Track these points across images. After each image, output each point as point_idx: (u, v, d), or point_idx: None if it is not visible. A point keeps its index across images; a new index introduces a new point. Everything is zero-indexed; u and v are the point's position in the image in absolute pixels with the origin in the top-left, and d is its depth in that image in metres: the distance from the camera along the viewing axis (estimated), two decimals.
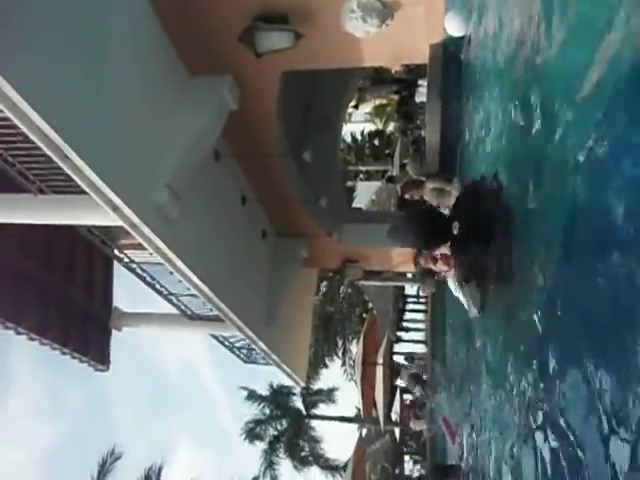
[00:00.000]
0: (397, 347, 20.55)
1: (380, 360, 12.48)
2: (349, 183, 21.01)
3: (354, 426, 20.91)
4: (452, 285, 3.43)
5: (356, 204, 19.93)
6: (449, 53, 5.35)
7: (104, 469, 11.67)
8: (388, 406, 12.52)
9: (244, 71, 6.05)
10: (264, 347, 9.06)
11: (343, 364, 21.47)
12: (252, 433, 19.79)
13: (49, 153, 4.17)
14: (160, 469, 12.81)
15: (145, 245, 5.53)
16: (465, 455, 4.58)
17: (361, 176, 24.21)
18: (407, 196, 6.38)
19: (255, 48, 5.35)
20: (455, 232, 3.04)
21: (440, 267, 3.28)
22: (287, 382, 14.21)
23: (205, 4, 5.48)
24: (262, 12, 5.42)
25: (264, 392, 20.10)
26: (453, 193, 5.73)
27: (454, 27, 4.75)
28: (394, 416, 15.85)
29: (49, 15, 3.99)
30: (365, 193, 22.59)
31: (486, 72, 3.78)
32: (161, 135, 5.40)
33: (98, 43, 4.57)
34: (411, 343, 21.72)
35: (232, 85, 6.09)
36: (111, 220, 5.06)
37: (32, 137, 4.04)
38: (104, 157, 4.43)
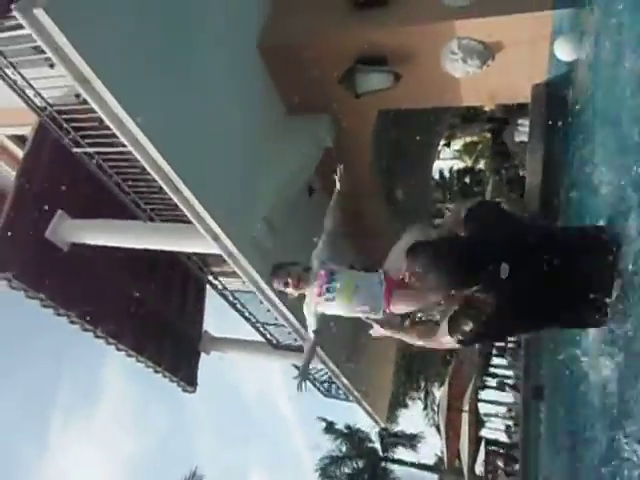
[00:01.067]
0: (483, 394, 19.50)
1: (466, 407, 11.90)
2: (438, 221, 20.66)
3: (434, 476, 19.93)
4: None
5: None
6: (552, 93, 5.19)
7: None
8: (473, 457, 11.83)
9: (342, 111, 6.24)
10: (346, 382, 8.99)
11: (425, 407, 20.70)
12: (327, 470, 19.46)
13: (163, 185, 4.53)
14: None
15: (240, 274, 5.78)
16: None
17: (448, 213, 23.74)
18: None
19: (355, 89, 5.52)
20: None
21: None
22: (365, 425, 13.91)
23: (310, 48, 5.74)
24: (362, 54, 5.60)
25: (341, 428, 19.80)
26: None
27: (565, 52, 4.56)
28: (479, 469, 14.93)
29: (166, 56, 4.40)
30: None
31: (597, 113, 3.62)
32: (259, 171, 5.68)
33: (206, 80, 4.95)
34: (499, 391, 20.52)
35: (329, 124, 6.30)
36: (211, 248, 5.35)
37: (149, 170, 4.42)
38: (210, 190, 4.74)
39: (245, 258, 5.24)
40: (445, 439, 12.35)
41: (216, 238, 4.96)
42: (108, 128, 4.24)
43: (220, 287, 7.79)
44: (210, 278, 8.01)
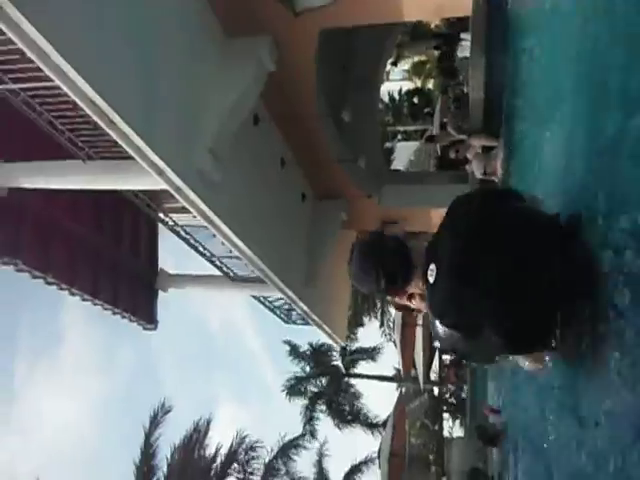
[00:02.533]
0: None
1: (420, 322, 12.55)
2: (387, 144, 20.68)
3: (393, 385, 21.28)
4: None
5: (395, 165, 19.67)
6: (494, 4, 5.12)
7: (155, 421, 12.32)
8: (427, 366, 12.66)
9: (281, 31, 5.98)
10: (304, 307, 9.26)
11: (381, 325, 21.71)
12: (293, 390, 20.40)
13: (96, 119, 4.29)
14: (208, 422, 13.45)
15: (189, 208, 5.68)
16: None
17: (399, 137, 23.74)
18: (452, 155, 6.25)
19: (293, 6, 5.27)
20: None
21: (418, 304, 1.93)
22: (327, 341, 14.53)
23: None
24: None
25: (305, 350, 20.59)
26: (499, 154, 5.59)
27: None
28: (433, 375, 16.03)
29: None
30: (404, 154, 22.23)
31: (539, 20, 3.60)
32: (201, 99, 5.45)
33: (140, 7, 4.59)
34: None
35: (270, 46, 6.03)
36: (156, 184, 5.21)
37: (80, 104, 4.16)
38: (148, 122, 4.53)
39: (193, 191, 5.13)
40: (401, 351, 13.11)
41: (160, 173, 4.81)
42: (31, 61, 3.91)
43: (171, 223, 7.67)
44: (160, 215, 7.87)
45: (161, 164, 4.68)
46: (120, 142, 4.57)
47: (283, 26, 5.88)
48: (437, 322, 1.67)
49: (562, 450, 2.27)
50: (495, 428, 5.90)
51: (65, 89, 4.07)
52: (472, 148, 6.67)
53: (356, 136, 8.85)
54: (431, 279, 1.68)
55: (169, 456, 12.38)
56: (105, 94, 4.03)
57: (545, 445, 2.58)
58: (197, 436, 13.17)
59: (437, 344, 1.74)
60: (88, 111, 4.27)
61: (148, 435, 12.14)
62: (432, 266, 1.69)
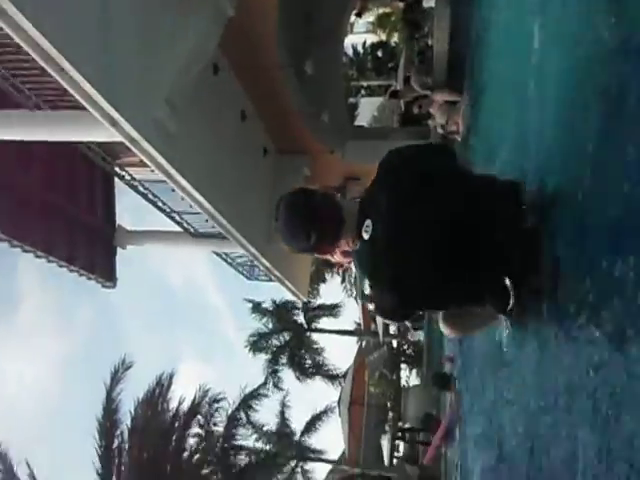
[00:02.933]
0: None
1: None
2: (351, 100, 20.40)
3: (354, 339, 21.84)
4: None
5: (358, 121, 19.48)
6: None
7: (116, 377, 12.31)
8: None
9: None
10: (266, 263, 9.26)
11: (343, 281, 22.02)
12: (256, 345, 20.67)
13: (44, 66, 4.03)
14: (171, 376, 13.53)
15: (146, 161, 5.49)
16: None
17: (363, 92, 23.42)
18: (415, 110, 6.21)
19: None
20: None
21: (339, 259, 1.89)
22: (289, 298, 14.68)
23: None
24: None
25: (267, 307, 20.77)
26: (463, 107, 5.59)
27: None
28: (392, 328, 16.51)
29: None
30: (367, 110, 22.02)
31: None
32: (158, 47, 5.18)
33: None
34: None
35: None
36: (110, 136, 4.98)
37: (26, 48, 3.88)
38: (101, 70, 4.28)
39: (149, 143, 4.94)
40: (361, 305, 13.41)
41: (114, 124, 4.59)
42: None
43: (128, 178, 7.42)
44: (117, 169, 7.59)
45: (115, 114, 4.46)
46: (70, 91, 4.32)
47: None
48: (367, 280, 1.66)
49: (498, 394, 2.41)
50: (448, 375, 6.18)
51: (9, 31, 3.78)
52: (435, 103, 6.64)
53: (319, 90, 8.67)
54: (366, 235, 1.62)
55: (132, 410, 12.46)
56: (52, 38, 3.77)
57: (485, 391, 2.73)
58: (160, 390, 13.26)
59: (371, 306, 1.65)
60: (35, 56, 4.01)
61: (109, 391, 12.13)
62: (368, 222, 1.63)
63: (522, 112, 2.45)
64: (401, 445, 13.29)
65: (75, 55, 3.97)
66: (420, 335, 12.53)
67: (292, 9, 6.71)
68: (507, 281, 1.66)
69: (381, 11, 21.90)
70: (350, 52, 23.01)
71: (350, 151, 9.09)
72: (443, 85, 6.08)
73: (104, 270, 9.60)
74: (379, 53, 22.66)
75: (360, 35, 23.47)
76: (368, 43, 23.39)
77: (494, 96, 3.90)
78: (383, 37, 22.92)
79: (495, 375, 2.52)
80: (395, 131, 12.49)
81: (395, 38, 22.36)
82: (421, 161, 1.77)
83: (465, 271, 1.56)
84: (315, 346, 21.19)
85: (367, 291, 1.72)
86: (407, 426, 10.51)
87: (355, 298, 18.32)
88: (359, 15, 20.73)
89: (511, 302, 1.68)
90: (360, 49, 23.61)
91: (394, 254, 1.58)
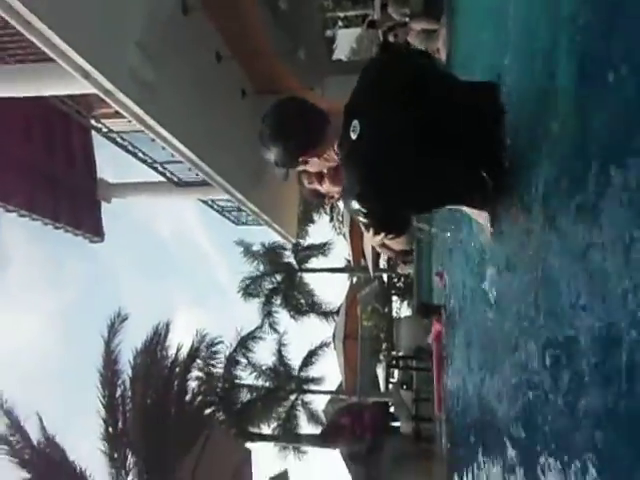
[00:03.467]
0: None
1: None
2: (328, 32, 19.68)
3: (345, 276, 22.23)
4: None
5: (337, 55, 18.92)
6: None
7: (113, 329, 12.52)
8: (376, 254, 13.22)
9: None
10: (253, 207, 9.27)
11: (331, 219, 22.13)
12: (248, 289, 20.97)
13: (6, 17, 3.85)
14: (167, 325, 13.79)
15: (122, 112, 5.37)
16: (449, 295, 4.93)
17: (340, 23, 22.56)
18: (391, 39, 6.07)
19: None
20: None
21: (328, 187, 2.00)
22: (279, 240, 14.79)
23: None
24: None
25: (258, 250, 20.90)
26: (442, 33, 5.47)
27: None
28: (382, 263, 16.81)
29: None
30: (345, 42, 21.32)
31: None
32: None
33: None
34: None
35: None
36: (83, 88, 4.85)
37: None
38: (68, 19, 4.10)
39: (124, 94, 4.82)
40: (350, 242, 13.54)
41: (86, 76, 4.45)
42: None
43: (105, 130, 7.26)
44: (93, 122, 7.40)
45: (86, 66, 4.32)
46: (37, 43, 4.15)
47: None
48: (358, 187, 1.66)
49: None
50: (433, 305, 6.39)
51: None
52: (412, 32, 6.47)
53: (294, 24, 8.37)
54: (354, 135, 1.63)
55: (132, 360, 12.76)
56: None
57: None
58: (157, 339, 13.54)
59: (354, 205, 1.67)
60: None
61: (108, 342, 12.37)
62: (355, 122, 1.64)
63: (499, 34, 2.43)
64: (395, 372, 13.88)
65: (39, 6, 3.79)
66: (410, 268, 12.80)
67: None
68: (484, 174, 1.72)
69: None
70: None
71: (330, 87, 8.91)
72: (421, 13, 5.91)
73: (90, 225, 9.57)
74: None
75: None
76: None
77: (473, 21, 3.82)
78: None
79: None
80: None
81: None
82: (406, 61, 1.82)
83: (447, 162, 1.62)
84: (307, 286, 21.58)
85: (356, 205, 1.66)
86: (400, 354, 10.96)
87: (343, 235, 18.48)
88: None
89: (490, 189, 1.75)
90: None
91: (381, 148, 1.61)
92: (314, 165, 1.90)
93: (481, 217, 2.04)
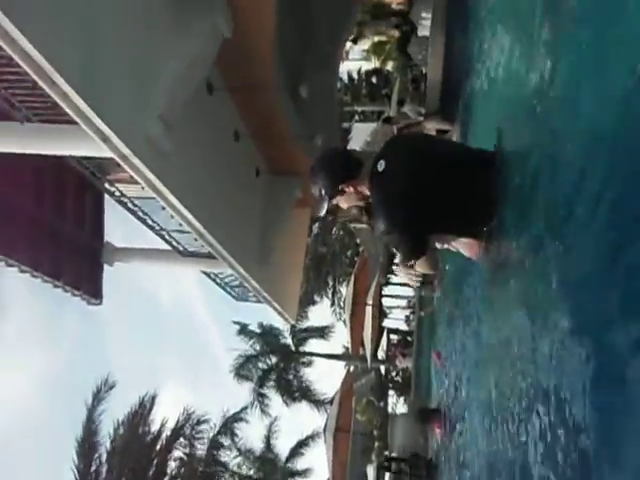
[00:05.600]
0: (386, 290, 20.92)
1: (370, 301, 12.69)
2: (345, 124, 20.59)
3: (342, 363, 21.57)
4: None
5: (351, 145, 19.62)
6: None
7: (98, 397, 12.02)
8: (375, 344, 12.87)
9: None
10: (255, 285, 9.15)
11: (332, 304, 21.88)
12: (242, 368, 20.34)
13: (35, 78, 3.98)
14: (153, 397, 13.23)
15: (136, 178, 5.42)
16: (448, 390, 4.69)
17: (357, 117, 23.67)
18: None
19: None
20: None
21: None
22: (277, 322, 14.53)
23: None
24: None
25: (255, 329, 20.51)
26: (454, 134, 5.61)
27: None
28: (381, 354, 16.34)
29: None
30: (361, 134, 22.20)
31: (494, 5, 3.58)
32: (152, 63, 5.17)
33: None
34: (401, 286, 22.13)
35: (226, 11, 5.79)
36: (101, 151, 4.92)
37: (18, 60, 3.84)
38: (94, 84, 4.25)
39: (140, 160, 4.88)
40: (350, 330, 13.26)
41: (105, 139, 4.53)
42: None
43: (118, 194, 7.34)
44: (107, 185, 7.51)
45: (106, 130, 4.41)
46: (61, 104, 4.27)
47: None
48: (382, 204, 2.19)
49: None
50: (433, 409, 6.05)
51: (1, 43, 3.75)
52: (426, 131, 6.67)
53: (313, 113, 8.71)
54: (380, 168, 2.20)
55: (112, 432, 12.12)
56: (45, 50, 3.73)
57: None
58: (142, 412, 12.95)
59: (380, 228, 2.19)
60: (27, 69, 3.96)
61: (91, 411, 11.83)
62: (382, 161, 2.21)
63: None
64: (387, 475, 13.01)
65: (66, 68, 3.93)
66: (409, 362, 12.38)
67: (289, 33, 6.77)
68: (486, 217, 2.23)
69: (376, 39, 22.28)
70: (345, 78, 23.32)
71: None
72: (435, 113, 6.11)
73: (90, 287, 9.45)
74: (373, 80, 23.01)
75: (355, 62, 23.83)
76: (363, 70, 23.74)
77: (484, 129, 3.89)
78: (378, 64, 23.29)
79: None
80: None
81: (389, 66, 22.73)
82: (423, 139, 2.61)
83: (457, 205, 2.16)
84: (302, 369, 20.92)
85: (382, 227, 2.00)
86: (394, 455, 10.30)
87: (344, 321, 18.16)
88: (355, 42, 21.12)
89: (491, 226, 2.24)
90: (355, 75, 23.95)
91: (404, 177, 2.17)
92: (349, 199, 2.37)
93: (472, 251, 2.49)
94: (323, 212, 2.53)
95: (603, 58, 1.42)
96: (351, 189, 2.31)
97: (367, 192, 2.30)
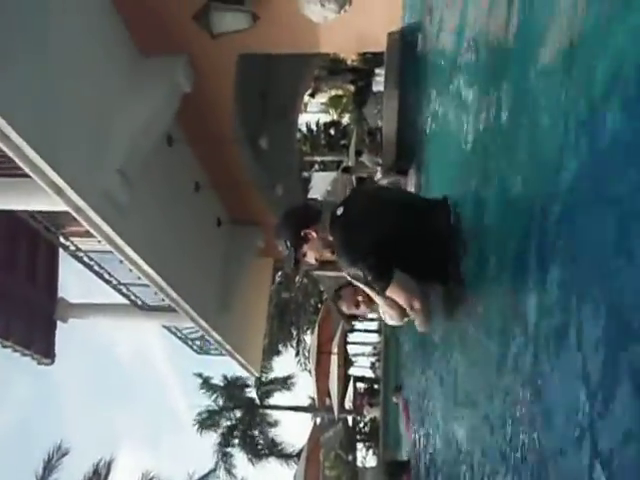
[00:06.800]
0: (351, 337, 20.78)
1: (335, 349, 12.54)
2: (305, 174, 20.93)
3: (308, 415, 21.01)
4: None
5: (312, 194, 19.89)
6: (407, 41, 5.34)
7: (50, 465, 11.21)
8: (342, 394, 12.64)
9: (199, 52, 5.87)
10: (217, 337, 8.92)
11: (297, 354, 21.51)
12: (205, 424, 19.53)
13: None
14: (110, 463, 12.43)
15: (92, 231, 5.30)
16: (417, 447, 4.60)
17: (316, 167, 24.14)
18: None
19: (210, 28, 5.18)
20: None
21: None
22: (241, 373, 14.12)
23: None
24: None
25: (218, 382, 19.87)
26: (410, 183, 5.75)
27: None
28: (348, 404, 16.02)
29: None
30: (321, 183, 22.56)
31: (442, 64, 3.77)
32: (111, 117, 5.16)
33: (42, 17, 4.29)
34: (366, 332, 22.06)
35: (186, 66, 5.90)
36: (55, 204, 4.80)
37: None
38: (48, 137, 4.18)
39: (97, 214, 4.78)
40: (315, 380, 12.99)
41: (59, 192, 4.43)
42: None
43: (73, 248, 7.13)
44: (61, 239, 7.29)
45: (60, 182, 4.32)
46: (14, 158, 4.17)
47: (201, 47, 5.78)
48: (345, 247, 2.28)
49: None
50: (402, 461, 5.90)
51: None
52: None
53: (273, 163, 8.82)
54: (339, 212, 2.33)
55: None
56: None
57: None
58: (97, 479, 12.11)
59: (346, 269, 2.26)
60: None
61: None
62: (341, 207, 2.36)
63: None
64: None
65: (19, 121, 3.87)
66: (376, 412, 12.17)
67: (248, 87, 6.92)
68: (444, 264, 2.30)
69: (333, 93, 23.10)
70: (304, 129, 23.89)
71: None
72: (392, 165, 6.25)
73: (41, 345, 8.98)
74: (331, 131, 23.66)
75: (314, 114, 24.52)
76: (321, 122, 24.43)
77: (438, 179, 4.00)
78: (335, 116, 24.04)
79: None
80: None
81: (346, 118, 23.49)
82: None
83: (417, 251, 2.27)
84: (268, 423, 20.24)
85: (347, 260, 2.10)
86: None
87: (309, 371, 17.81)
88: (312, 95, 21.82)
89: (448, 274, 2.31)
90: (314, 127, 24.58)
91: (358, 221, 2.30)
92: (314, 245, 2.41)
93: (423, 323, 2.46)
94: (291, 266, 2.45)
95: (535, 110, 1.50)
96: (314, 234, 2.37)
97: (329, 237, 2.37)
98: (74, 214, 4.82)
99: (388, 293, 2.25)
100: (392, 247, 2.20)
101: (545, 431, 1.23)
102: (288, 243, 2.41)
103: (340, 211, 2.33)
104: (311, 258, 2.48)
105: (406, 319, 2.51)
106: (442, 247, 2.30)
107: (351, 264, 2.22)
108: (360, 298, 2.80)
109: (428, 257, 2.30)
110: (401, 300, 2.28)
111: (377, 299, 2.46)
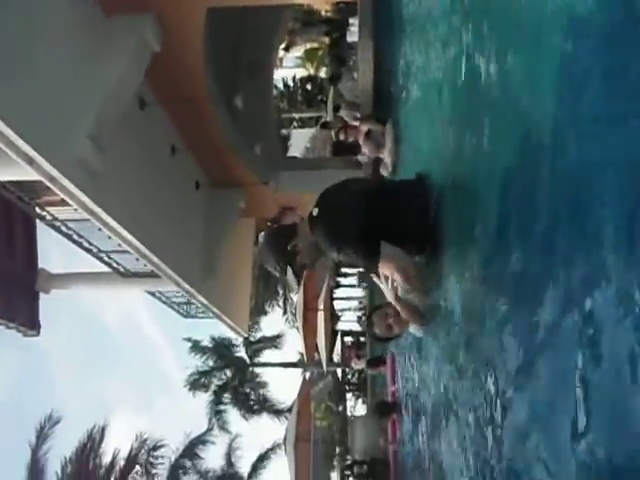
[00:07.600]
0: (337, 292, 21.05)
1: (321, 306, 12.69)
2: (283, 131, 20.57)
3: (298, 370, 21.49)
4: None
5: (291, 152, 19.64)
6: None
7: (42, 434, 11.34)
8: (330, 349, 12.89)
9: (167, 9, 5.62)
10: (203, 300, 8.96)
11: (284, 312, 21.75)
12: (196, 384, 19.86)
13: None
14: (103, 428, 12.64)
15: (68, 200, 5.19)
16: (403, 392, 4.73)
17: (295, 124, 23.73)
18: (342, 137, 6.28)
19: None
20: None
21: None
22: (229, 334, 14.27)
23: None
24: None
25: (207, 344, 20.07)
26: (388, 138, 5.68)
27: None
28: (336, 358, 16.40)
29: None
30: (300, 141, 22.29)
31: (416, 10, 3.67)
32: (79, 82, 4.96)
33: None
34: (351, 288, 22.38)
35: (154, 24, 5.66)
36: (27, 175, 4.67)
37: None
38: (16, 106, 4.02)
39: (71, 182, 4.67)
40: (304, 337, 13.20)
41: (31, 162, 4.30)
42: None
43: (49, 218, 6.99)
44: (37, 209, 7.13)
45: (31, 152, 4.18)
46: None
47: (168, 3, 5.53)
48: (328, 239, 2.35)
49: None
50: (390, 403, 6.10)
51: None
52: (360, 133, 6.74)
53: (250, 122, 8.64)
54: (314, 213, 2.39)
55: (59, 472, 11.43)
56: None
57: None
58: (91, 445, 12.31)
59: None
60: None
61: (35, 450, 11.12)
62: (315, 209, 2.42)
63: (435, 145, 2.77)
64: (351, 479, 13.03)
65: None
66: (364, 363, 12.47)
67: (218, 43, 6.69)
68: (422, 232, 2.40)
69: (308, 46, 22.47)
70: (280, 85, 23.33)
71: (284, 181, 9.07)
72: (370, 116, 6.18)
73: (25, 318, 8.93)
74: (308, 86, 23.15)
75: (290, 69, 23.90)
76: (298, 77, 23.85)
77: (415, 130, 3.96)
78: (312, 71, 23.46)
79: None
80: (328, 161, 12.67)
81: (323, 73, 22.95)
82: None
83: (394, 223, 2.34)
84: (258, 380, 20.66)
85: (334, 249, 2.16)
86: (356, 458, 10.32)
87: (297, 328, 18.10)
88: (287, 49, 21.20)
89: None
90: (290, 82, 24.01)
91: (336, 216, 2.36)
92: (304, 253, 2.50)
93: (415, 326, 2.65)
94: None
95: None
96: (299, 244, 2.47)
97: (313, 239, 2.45)
98: (48, 183, 4.70)
99: (381, 268, 2.33)
100: (372, 230, 2.26)
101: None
102: (280, 265, 2.49)
103: (315, 212, 2.41)
104: (306, 256, 2.57)
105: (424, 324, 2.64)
106: (419, 223, 2.39)
107: (338, 251, 2.30)
108: (391, 320, 2.81)
109: (406, 233, 2.37)
110: (395, 272, 2.35)
111: (398, 306, 2.56)
